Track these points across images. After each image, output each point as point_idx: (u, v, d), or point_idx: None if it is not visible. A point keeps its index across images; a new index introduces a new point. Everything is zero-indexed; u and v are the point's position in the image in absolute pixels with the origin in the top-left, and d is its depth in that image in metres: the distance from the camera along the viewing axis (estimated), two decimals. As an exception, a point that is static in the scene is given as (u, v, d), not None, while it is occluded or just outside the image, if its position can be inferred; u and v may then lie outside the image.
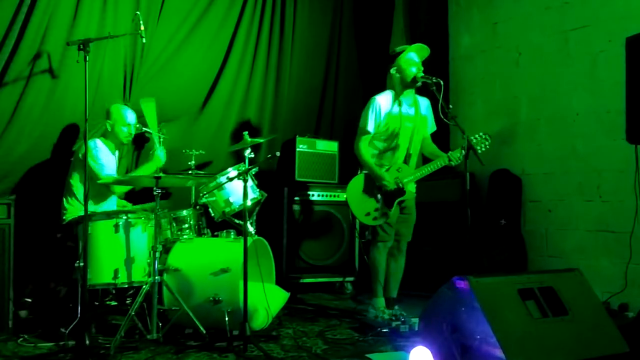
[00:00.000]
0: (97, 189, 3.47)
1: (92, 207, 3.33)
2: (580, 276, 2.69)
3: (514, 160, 4.85)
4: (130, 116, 3.67)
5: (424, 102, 3.87)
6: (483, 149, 3.65)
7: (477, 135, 3.67)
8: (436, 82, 3.51)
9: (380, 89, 3.90)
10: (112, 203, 3.69)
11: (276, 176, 5.04)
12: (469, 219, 3.23)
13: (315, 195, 4.85)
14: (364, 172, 3.70)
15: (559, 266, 4.37)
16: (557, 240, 4.57)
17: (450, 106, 3.49)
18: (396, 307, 3.71)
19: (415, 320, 3.30)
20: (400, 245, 3.80)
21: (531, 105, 4.82)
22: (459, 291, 2.41)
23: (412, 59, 3.69)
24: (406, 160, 3.73)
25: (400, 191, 3.63)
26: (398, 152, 3.72)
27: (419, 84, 3.69)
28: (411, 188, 3.73)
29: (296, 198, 4.76)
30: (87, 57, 2.93)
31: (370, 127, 3.69)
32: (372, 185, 3.64)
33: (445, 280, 2.60)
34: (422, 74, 3.66)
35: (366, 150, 3.70)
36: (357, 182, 3.68)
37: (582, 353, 2.41)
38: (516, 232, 4.69)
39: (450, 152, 3.65)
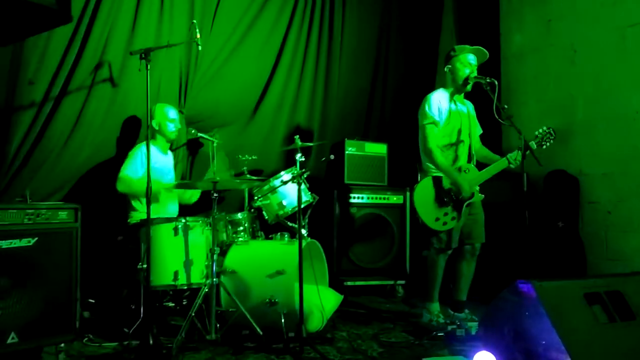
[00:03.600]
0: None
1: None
2: (649, 280, 2.60)
3: (570, 161, 4.72)
4: (172, 112, 3.80)
5: (470, 104, 3.84)
6: (548, 145, 3.56)
7: (540, 130, 3.57)
8: (490, 82, 3.46)
9: (429, 89, 3.87)
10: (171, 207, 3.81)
11: (325, 179, 5.07)
12: (527, 220, 3.16)
13: (364, 198, 4.84)
14: (431, 175, 3.60)
15: (620, 270, 4.22)
16: (618, 242, 4.41)
17: (505, 106, 3.42)
18: (466, 310, 3.64)
19: (472, 324, 3.25)
20: (474, 248, 3.70)
21: (588, 104, 4.67)
22: (522, 295, 2.35)
23: (469, 60, 3.63)
24: (470, 160, 3.69)
25: (470, 195, 3.57)
26: (462, 147, 3.65)
27: (469, 87, 3.65)
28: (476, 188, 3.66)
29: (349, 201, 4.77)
30: (148, 66, 3.02)
31: (437, 118, 3.59)
32: (441, 190, 3.55)
33: (503, 284, 2.55)
34: (475, 74, 3.62)
35: (439, 153, 3.56)
36: (425, 187, 3.59)
37: (652, 359, 2.33)
38: (574, 234, 4.55)
39: (509, 154, 3.57)
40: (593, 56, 4.66)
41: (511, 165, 3.54)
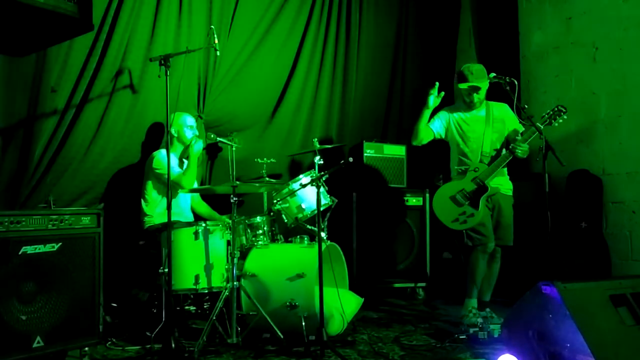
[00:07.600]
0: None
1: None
2: (676, 281, 2.53)
3: (593, 160, 4.65)
4: (190, 120, 3.86)
5: (496, 107, 3.83)
6: (560, 121, 3.53)
7: (549, 111, 3.55)
8: (510, 82, 3.45)
9: (447, 89, 3.91)
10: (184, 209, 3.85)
11: (344, 182, 5.05)
12: (549, 221, 3.12)
13: (384, 200, 4.82)
14: (451, 180, 3.74)
15: (646, 271, 4.14)
16: (643, 243, 4.33)
17: (525, 106, 3.40)
18: (487, 309, 3.63)
19: (495, 327, 3.22)
20: (495, 250, 3.73)
21: (611, 102, 4.60)
22: (545, 297, 2.31)
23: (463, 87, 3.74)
24: (482, 161, 3.72)
25: (483, 188, 3.60)
26: (472, 154, 3.75)
27: (475, 98, 3.73)
28: (493, 184, 3.66)
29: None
30: (168, 72, 3.05)
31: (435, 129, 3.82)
32: (455, 191, 3.64)
33: (526, 286, 2.52)
34: (495, 74, 3.60)
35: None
36: (441, 192, 3.71)
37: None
38: (598, 235, 4.48)
39: (511, 145, 3.59)
40: (616, 53, 4.59)
41: (517, 152, 3.52)
